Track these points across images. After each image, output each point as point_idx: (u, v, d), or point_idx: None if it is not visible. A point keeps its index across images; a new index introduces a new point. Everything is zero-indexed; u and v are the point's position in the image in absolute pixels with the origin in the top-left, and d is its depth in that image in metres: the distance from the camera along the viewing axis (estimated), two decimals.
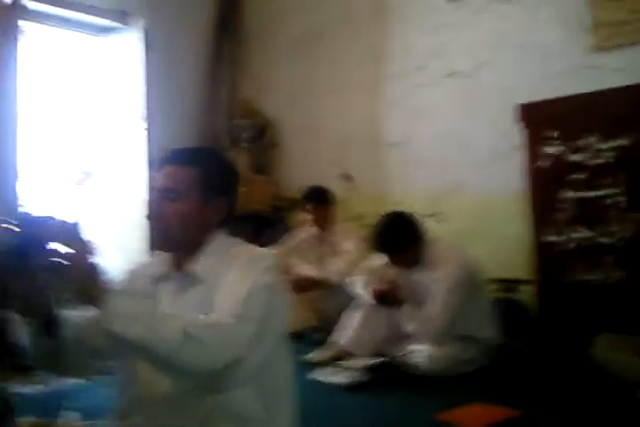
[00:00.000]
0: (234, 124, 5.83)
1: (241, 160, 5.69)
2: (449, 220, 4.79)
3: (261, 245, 4.21)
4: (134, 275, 1.66)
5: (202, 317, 1.36)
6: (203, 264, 1.52)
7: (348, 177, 5.37)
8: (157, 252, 1.63)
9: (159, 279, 1.59)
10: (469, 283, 3.09)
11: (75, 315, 1.41)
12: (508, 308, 4.05)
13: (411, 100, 4.93)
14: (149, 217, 1.56)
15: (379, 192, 5.20)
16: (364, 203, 5.22)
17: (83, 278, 1.26)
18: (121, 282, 1.60)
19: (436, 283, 3.09)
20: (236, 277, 1.44)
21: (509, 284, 4.20)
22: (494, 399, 2.63)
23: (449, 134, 4.69)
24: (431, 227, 4.72)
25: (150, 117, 5.21)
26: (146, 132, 5.17)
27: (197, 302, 1.47)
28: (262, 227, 5.32)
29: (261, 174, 5.83)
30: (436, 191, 4.81)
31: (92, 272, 1.28)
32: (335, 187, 5.03)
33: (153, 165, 5.24)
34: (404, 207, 4.92)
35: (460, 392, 2.77)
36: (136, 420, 1.49)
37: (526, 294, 4.03)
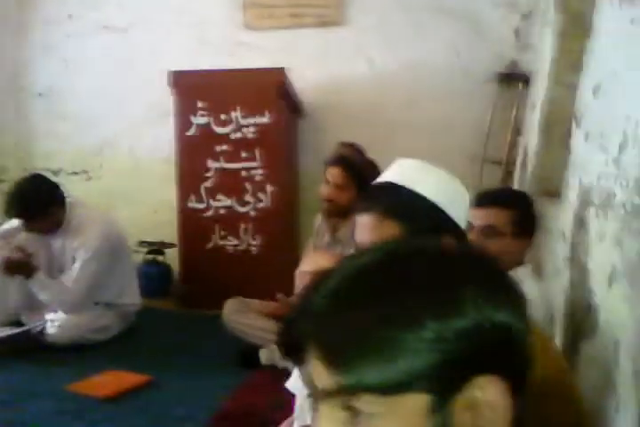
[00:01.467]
0: None
1: None
2: (98, 179, 4.67)
3: None
4: None
5: None
6: None
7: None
8: None
9: None
10: (110, 250, 3.05)
11: None
12: (153, 271, 4.15)
13: (61, 49, 4.61)
14: None
15: (22, 145, 4.81)
16: (4, 155, 4.79)
17: None
18: None
19: (76, 250, 2.99)
20: None
21: (156, 247, 4.28)
22: (127, 366, 2.67)
23: (102, 90, 4.52)
24: (78, 186, 4.60)
25: None
26: None
27: None
28: None
29: None
30: (86, 148, 4.63)
31: None
32: None
33: None
34: (50, 163, 4.70)
35: (95, 361, 2.76)
36: None
37: (172, 257, 4.15)
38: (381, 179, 1.19)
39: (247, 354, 2.69)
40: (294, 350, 0.59)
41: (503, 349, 0.54)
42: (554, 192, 2.46)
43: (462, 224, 1.16)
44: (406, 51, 3.97)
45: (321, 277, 0.58)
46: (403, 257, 0.57)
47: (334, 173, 2.61)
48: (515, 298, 0.57)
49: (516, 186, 3.44)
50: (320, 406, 0.56)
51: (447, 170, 3.69)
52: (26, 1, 4.69)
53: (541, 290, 1.64)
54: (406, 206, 1.11)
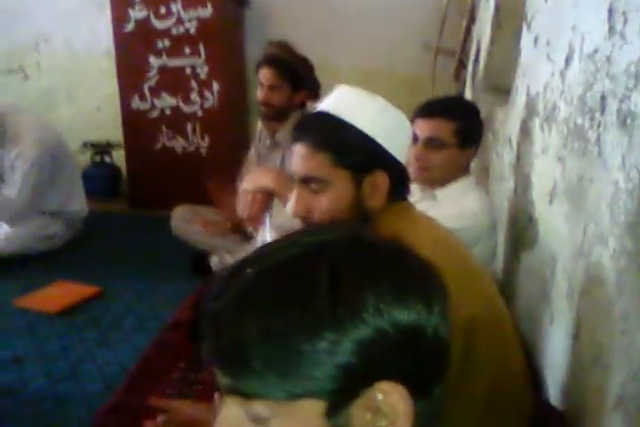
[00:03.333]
0: None
1: None
2: (36, 77, 4.42)
3: None
4: None
5: None
6: None
7: None
8: None
9: None
10: (50, 158, 2.92)
11: None
12: (101, 172, 4.05)
13: None
14: None
15: None
16: None
17: None
18: None
19: (15, 160, 2.87)
20: None
21: (101, 147, 4.15)
22: (76, 276, 2.65)
23: None
24: (15, 85, 4.36)
25: None
26: None
27: None
28: None
29: None
30: (20, 44, 4.33)
31: None
32: None
33: None
34: None
35: (43, 272, 2.72)
36: None
37: (119, 157, 4.04)
38: (320, 106, 1.13)
39: (198, 260, 2.70)
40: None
41: (410, 352, 0.51)
42: (503, 89, 2.41)
43: (402, 157, 1.12)
44: None
45: (232, 273, 0.55)
46: (307, 259, 0.53)
47: (266, 75, 2.50)
48: (429, 292, 0.54)
49: (468, 78, 3.36)
50: (224, 398, 0.54)
51: (402, 58, 3.61)
52: None
53: (484, 201, 1.64)
54: (339, 139, 1.07)
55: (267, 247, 0.58)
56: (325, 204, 1.09)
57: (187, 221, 2.72)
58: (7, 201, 2.86)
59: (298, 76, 2.54)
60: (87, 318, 2.32)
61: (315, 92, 2.61)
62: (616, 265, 0.89)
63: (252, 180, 1.60)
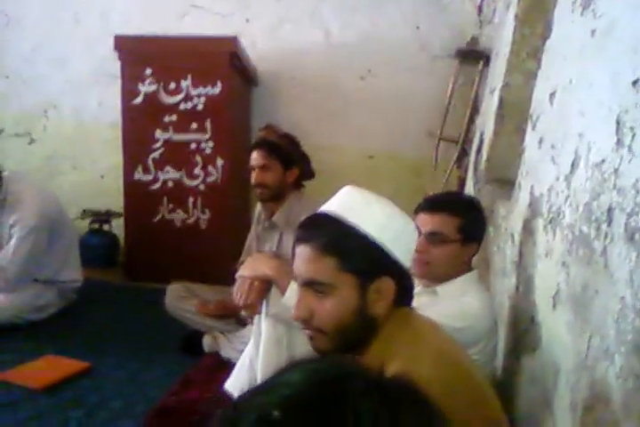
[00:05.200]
0: None
1: None
2: (41, 142, 4.48)
3: None
4: None
5: None
6: None
7: None
8: None
9: None
10: (49, 227, 2.91)
11: None
12: (98, 240, 4.03)
13: (2, 4, 4.35)
14: None
15: None
16: None
17: None
18: None
19: (12, 227, 2.85)
20: None
21: (102, 215, 4.15)
22: (65, 349, 2.58)
23: (47, 50, 4.30)
24: (21, 149, 4.42)
25: None
26: None
27: None
28: None
29: None
30: (29, 109, 4.43)
31: None
32: None
33: None
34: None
35: (31, 344, 2.65)
36: None
37: (119, 227, 4.03)
38: (326, 207, 1.13)
39: (190, 340, 2.63)
40: None
41: None
42: (505, 181, 2.43)
43: (408, 263, 1.11)
44: (364, 22, 3.83)
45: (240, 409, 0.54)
46: (328, 402, 0.52)
47: (256, 157, 2.56)
48: None
49: (470, 166, 3.41)
50: None
51: (406, 143, 3.67)
52: None
53: (486, 299, 1.62)
54: (346, 243, 1.07)
55: (281, 383, 0.57)
56: (329, 308, 1.06)
57: (181, 300, 2.69)
58: (0, 267, 2.82)
59: (286, 153, 2.59)
60: (72, 397, 2.22)
61: (306, 167, 2.65)
62: (623, 385, 0.86)
63: (251, 267, 1.58)
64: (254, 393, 0.56)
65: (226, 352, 2.47)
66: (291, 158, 2.57)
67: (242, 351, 1.79)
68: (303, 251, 1.09)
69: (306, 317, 1.09)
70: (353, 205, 1.11)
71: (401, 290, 1.10)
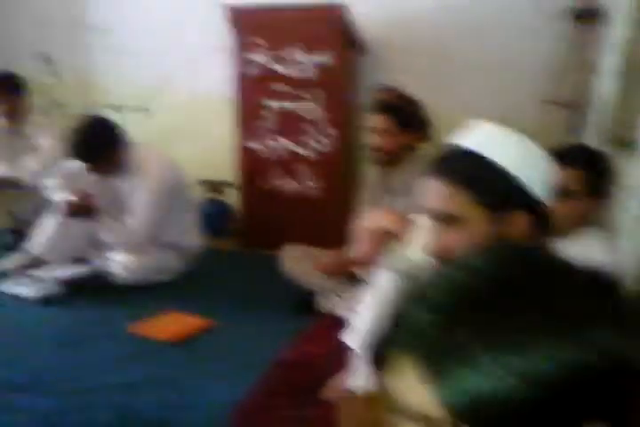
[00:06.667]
0: None
1: None
2: (158, 116, 4.67)
3: None
4: None
5: None
6: None
7: (47, 60, 4.88)
8: None
9: None
10: (172, 191, 3.07)
11: None
12: (213, 210, 4.18)
13: None
14: None
15: (85, 81, 4.84)
16: (68, 91, 4.84)
17: None
18: None
19: (137, 191, 3.02)
20: None
21: (215, 185, 4.30)
22: (187, 308, 2.72)
23: (161, 27, 4.45)
24: (139, 123, 4.62)
25: None
26: None
27: None
28: None
29: None
30: (146, 85, 4.62)
31: None
32: (32, 69, 4.59)
33: None
34: (110, 99, 4.73)
35: (156, 302, 2.82)
36: None
37: (232, 196, 4.17)
38: (458, 142, 1.13)
39: (304, 300, 2.71)
40: (380, 359, 0.56)
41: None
42: (628, 143, 2.33)
43: (546, 199, 1.10)
44: None
45: (416, 288, 0.55)
46: (516, 278, 0.52)
47: (376, 120, 2.52)
48: None
49: (588, 132, 3.28)
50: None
51: (516, 110, 3.54)
52: None
53: (610, 252, 1.57)
54: (482, 177, 1.07)
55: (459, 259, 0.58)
56: (462, 242, 1.07)
57: (296, 260, 2.75)
58: (127, 230, 3.00)
59: (407, 117, 2.56)
60: (195, 351, 2.37)
61: (425, 132, 2.62)
62: None
63: (371, 220, 1.60)
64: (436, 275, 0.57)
65: (340, 311, 2.53)
66: (412, 124, 2.56)
67: (355, 310, 1.82)
68: (436, 185, 1.10)
69: (441, 251, 1.10)
70: (489, 140, 1.10)
71: (536, 226, 1.09)
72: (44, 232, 3.17)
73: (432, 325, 0.51)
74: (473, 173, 1.08)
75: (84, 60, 4.79)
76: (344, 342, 1.77)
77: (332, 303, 2.62)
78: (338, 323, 2.42)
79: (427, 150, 2.63)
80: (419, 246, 1.48)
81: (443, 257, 1.11)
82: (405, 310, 0.54)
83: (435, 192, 1.11)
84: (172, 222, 3.13)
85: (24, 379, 2.13)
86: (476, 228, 1.08)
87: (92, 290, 2.96)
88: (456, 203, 1.07)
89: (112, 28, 4.63)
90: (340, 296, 2.60)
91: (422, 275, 0.59)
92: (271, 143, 3.70)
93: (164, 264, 3.11)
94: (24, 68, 4.35)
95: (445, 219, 1.09)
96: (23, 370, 2.20)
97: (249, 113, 3.71)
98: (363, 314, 1.71)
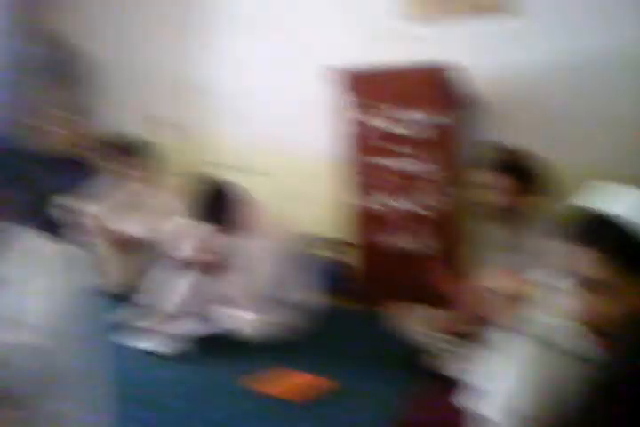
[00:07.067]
0: (41, 54, 5.35)
1: (49, 95, 5.33)
2: (266, 176, 4.79)
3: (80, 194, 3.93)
4: None
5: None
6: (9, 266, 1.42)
7: (174, 126, 5.21)
8: None
9: None
10: (291, 251, 3.18)
11: None
12: (331, 267, 4.22)
13: (228, 49, 4.87)
14: None
15: (195, 142, 5.11)
16: (179, 151, 5.11)
17: None
18: None
19: (258, 250, 3.14)
20: (44, 285, 1.37)
21: (332, 244, 4.36)
22: (307, 366, 2.76)
23: (266, 88, 4.69)
24: (248, 182, 4.79)
25: None
26: None
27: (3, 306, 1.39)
28: (78, 171, 5.05)
29: (78, 115, 5.50)
30: (256, 145, 4.81)
31: None
32: (148, 132, 4.90)
33: None
34: (220, 159, 4.94)
35: (278, 360, 2.86)
36: None
37: (349, 255, 4.20)
38: (602, 207, 1.14)
39: (421, 360, 2.67)
40: None
41: None
42: None
43: None
44: (591, 39, 3.69)
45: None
46: None
47: (501, 181, 2.54)
48: None
49: None
50: None
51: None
52: (194, 2, 4.97)
53: None
54: (635, 245, 1.08)
55: None
56: (614, 310, 1.07)
57: (413, 320, 2.75)
58: (252, 288, 3.13)
59: (530, 179, 2.57)
60: (317, 411, 2.38)
61: (546, 189, 2.60)
62: None
63: (494, 280, 1.59)
64: None
65: (453, 371, 2.49)
66: (532, 180, 2.56)
67: (469, 371, 1.77)
68: (588, 252, 1.11)
69: (592, 318, 1.10)
70: (629, 204, 1.11)
71: None
72: (175, 289, 3.33)
73: None
74: (626, 242, 1.08)
75: (205, 123, 5.07)
76: (463, 406, 1.73)
77: (448, 364, 2.57)
78: (451, 383, 2.38)
79: (547, 208, 2.60)
80: (555, 311, 1.45)
81: (592, 325, 1.10)
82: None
83: (586, 259, 1.12)
84: (293, 281, 3.22)
85: None
86: (627, 297, 1.07)
87: (217, 346, 3.05)
88: (610, 271, 1.08)
89: (217, 90, 4.91)
90: (455, 356, 2.56)
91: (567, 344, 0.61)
92: (388, 202, 3.75)
93: (285, 321, 3.17)
94: (151, 133, 4.69)
95: (597, 286, 1.09)
96: (154, 424, 2.28)
97: (366, 173, 3.80)
98: (500, 382, 1.66)
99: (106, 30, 5.34)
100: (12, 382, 1.23)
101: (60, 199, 4.12)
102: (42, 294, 1.35)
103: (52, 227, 3.16)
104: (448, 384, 2.42)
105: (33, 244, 1.48)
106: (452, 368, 2.55)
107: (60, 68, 5.36)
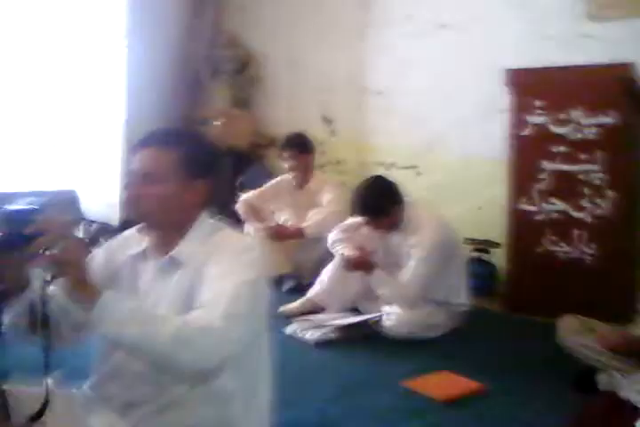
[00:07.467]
0: (215, 55, 5.73)
1: (221, 93, 5.68)
2: (426, 174, 4.83)
3: (240, 186, 4.26)
4: (112, 249, 1.66)
5: (192, 316, 1.34)
6: (185, 249, 1.53)
7: (329, 121, 5.36)
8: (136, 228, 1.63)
9: (137, 258, 1.60)
10: (445, 250, 3.15)
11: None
12: (478, 269, 4.16)
13: (397, 49, 4.89)
14: (128, 201, 1.54)
15: (359, 140, 5.22)
16: (344, 149, 5.26)
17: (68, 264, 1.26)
18: (98, 255, 1.63)
19: (412, 248, 3.16)
20: (220, 269, 1.44)
21: (482, 245, 4.29)
22: (456, 367, 2.73)
23: (434, 88, 4.68)
24: (408, 180, 4.80)
25: (131, 37, 5.15)
26: (126, 54, 5.12)
27: (178, 287, 1.49)
28: (241, 164, 5.33)
29: (243, 109, 5.79)
30: (417, 144, 4.83)
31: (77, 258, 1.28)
32: (316, 129, 5.05)
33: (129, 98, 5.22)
34: (383, 157, 5.01)
35: (426, 358, 2.88)
36: (111, 391, 1.53)
37: (497, 256, 4.15)
38: None
39: (583, 375, 2.53)
40: None
41: None
42: None
43: None
44: None
45: None
46: None
47: None
48: None
49: None
50: None
51: None
52: (365, 2, 5.04)
53: None
54: None
55: None
56: None
57: (576, 333, 2.60)
58: (400, 285, 3.14)
59: None
60: (471, 414, 2.35)
61: None
62: None
63: None
64: None
65: (624, 393, 2.33)
66: None
67: None
68: None
69: None
70: None
71: None
72: (324, 281, 3.45)
73: None
74: None
75: (362, 121, 5.17)
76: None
77: (615, 383, 2.41)
78: (621, 406, 2.25)
79: None
80: None
81: None
82: None
83: None
84: (444, 279, 3.20)
85: (310, 418, 2.29)
86: None
87: (364, 339, 3.11)
88: None
89: (389, 91, 4.94)
90: (625, 376, 2.39)
91: None
92: (545, 205, 3.63)
93: (434, 320, 3.16)
94: (310, 127, 4.85)
95: None
96: (309, 410, 2.36)
97: (524, 174, 3.70)
98: None
99: (277, 32, 5.59)
100: (198, 361, 1.32)
101: (239, 192, 4.42)
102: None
103: (233, 218, 3.40)
104: (616, 404, 2.31)
105: (223, 232, 1.59)
106: (621, 388, 2.38)
107: (238, 69, 5.69)
